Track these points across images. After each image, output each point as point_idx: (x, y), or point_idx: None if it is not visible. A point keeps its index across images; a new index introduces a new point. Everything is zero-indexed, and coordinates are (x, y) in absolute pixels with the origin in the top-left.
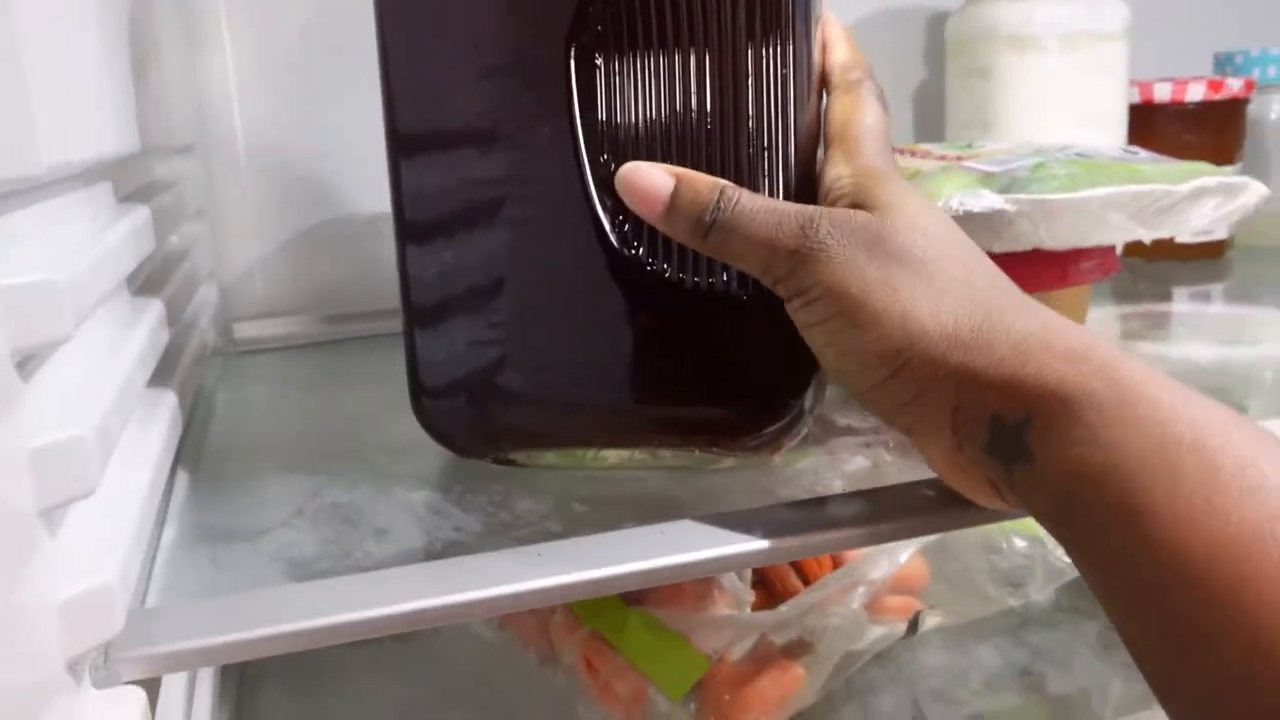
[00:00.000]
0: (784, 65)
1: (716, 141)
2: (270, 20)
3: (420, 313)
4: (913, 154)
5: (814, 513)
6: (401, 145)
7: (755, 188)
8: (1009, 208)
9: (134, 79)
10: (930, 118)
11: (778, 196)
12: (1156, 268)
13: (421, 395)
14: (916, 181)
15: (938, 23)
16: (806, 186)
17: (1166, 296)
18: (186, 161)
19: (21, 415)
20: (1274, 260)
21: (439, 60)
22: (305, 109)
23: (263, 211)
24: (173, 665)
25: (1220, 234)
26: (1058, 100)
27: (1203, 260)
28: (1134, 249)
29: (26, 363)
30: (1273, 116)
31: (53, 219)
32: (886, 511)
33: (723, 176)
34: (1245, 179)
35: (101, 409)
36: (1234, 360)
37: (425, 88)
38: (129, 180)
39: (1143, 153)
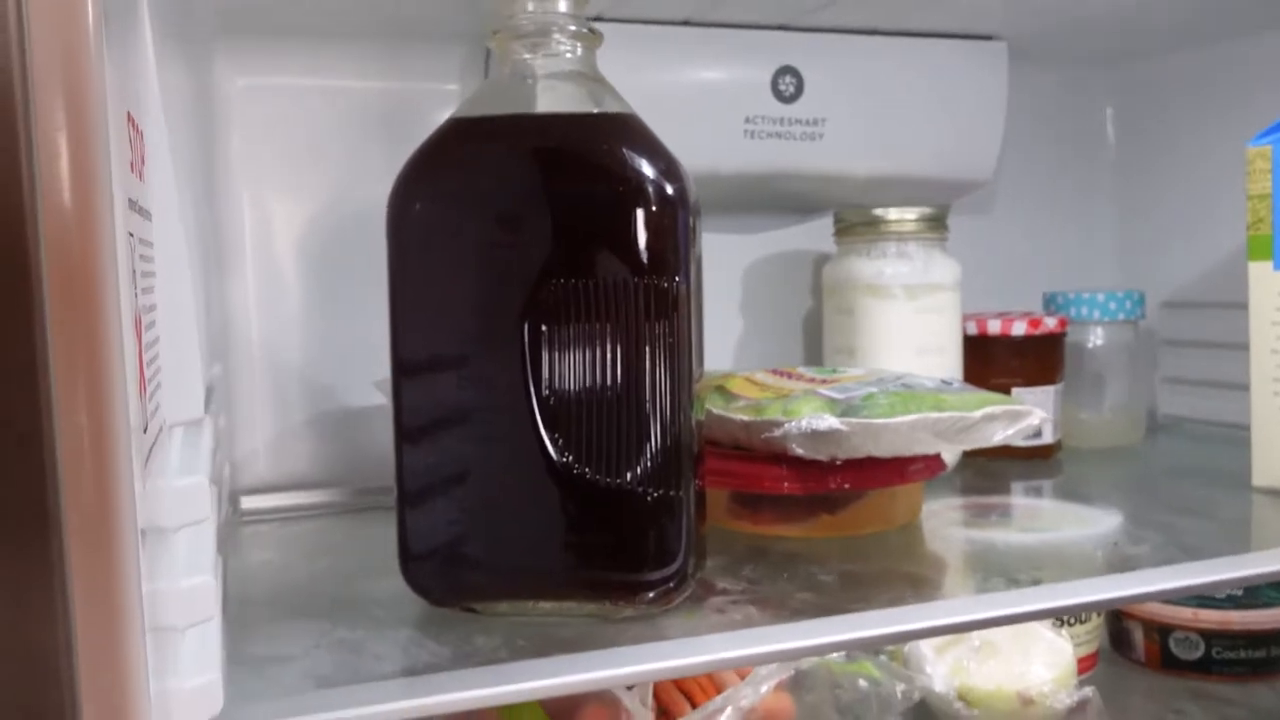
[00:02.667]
0: (671, 336)
1: (624, 386)
2: (285, 248)
3: (409, 496)
4: (789, 375)
5: (693, 645)
6: (402, 368)
7: (650, 418)
8: (843, 428)
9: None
10: (814, 341)
11: (665, 423)
12: (997, 466)
13: (408, 559)
14: (785, 402)
15: (822, 263)
16: (684, 414)
17: (1002, 490)
18: (217, 366)
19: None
20: (1095, 461)
21: (433, 311)
22: (311, 321)
23: (268, 404)
24: None
25: (1048, 439)
26: (903, 335)
27: (1036, 461)
28: (981, 451)
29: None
30: (1090, 345)
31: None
32: (749, 642)
33: (627, 411)
34: (1028, 407)
35: (208, 562)
36: (1031, 541)
37: (422, 329)
38: None
39: (957, 384)
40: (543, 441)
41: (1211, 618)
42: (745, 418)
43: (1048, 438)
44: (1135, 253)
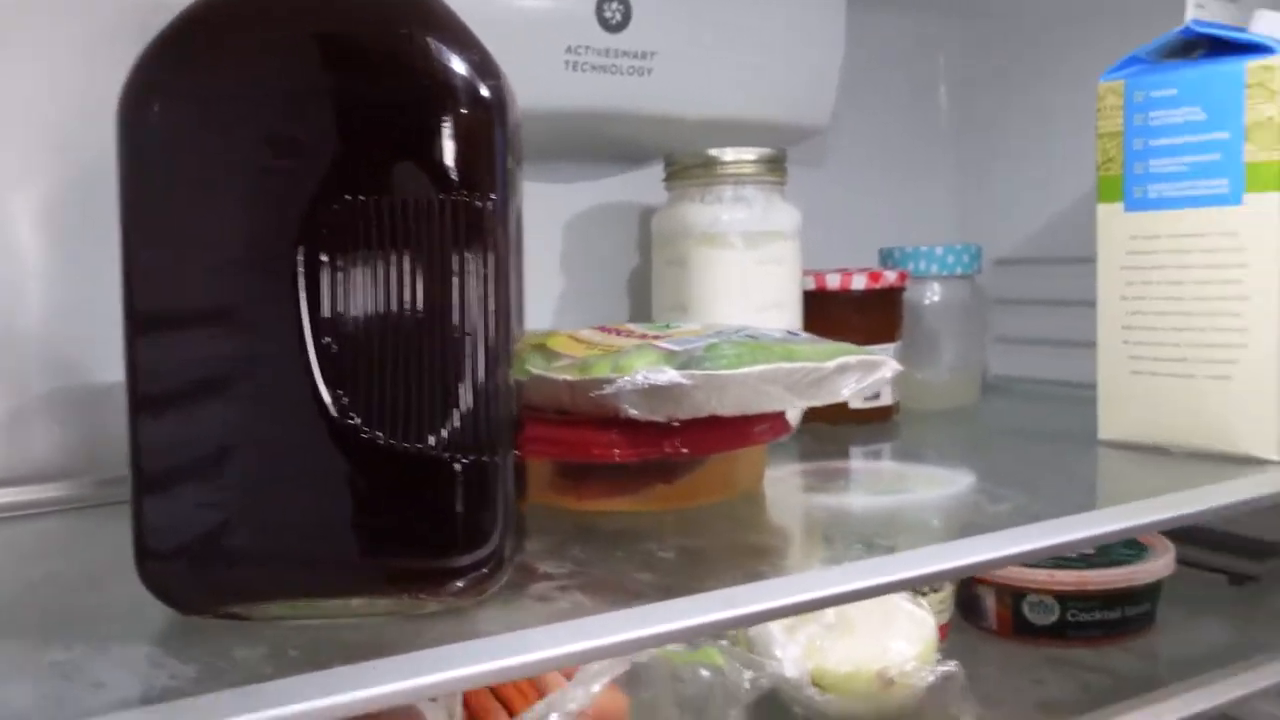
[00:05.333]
0: (483, 267)
1: (426, 329)
2: (10, 202)
3: (149, 479)
4: (618, 332)
5: (510, 643)
6: (138, 320)
7: (459, 368)
8: (685, 381)
9: None
10: (642, 300)
11: (478, 374)
12: (838, 430)
13: (146, 557)
14: (615, 357)
15: (648, 216)
16: (501, 366)
17: (844, 455)
18: None
19: None
20: (934, 422)
21: (177, 249)
22: (52, 286)
23: None
24: None
25: (887, 400)
26: (741, 287)
27: (875, 424)
28: (818, 414)
29: None
30: (926, 302)
31: None
32: (578, 636)
33: (429, 359)
34: (881, 357)
35: None
36: (882, 505)
37: (165, 267)
38: None
39: (803, 335)
40: (322, 400)
41: (1068, 579)
42: (570, 377)
43: (886, 399)
44: (972, 209)
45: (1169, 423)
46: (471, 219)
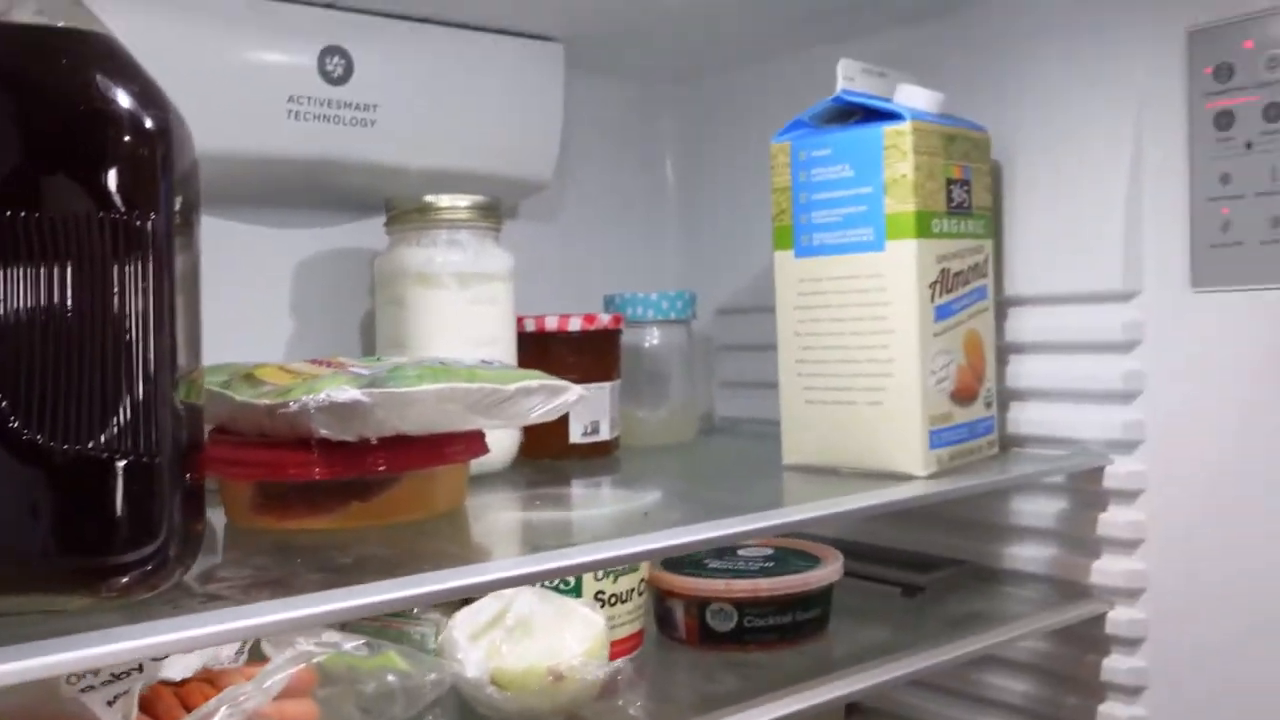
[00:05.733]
0: (144, 280)
1: (86, 337)
2: None
3: None
4: (328, 364)
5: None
6: None
7: (119, 375)
8: (365, 399)
9: None
10: (371, 339)
11: (138, 381)
12: (561, 464)
13: None
14: (312, 383)
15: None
16: (163, 375)
17: (558, 483)
18: None
19: None
20: (651, 456)
21: None
22: None
23: None
24: None
25: (606, 436)
26: (455, 325)
27: (596, 458)
28: (542, 450)
29: None
30: (646, 345)
31: None
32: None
33: (89, 366)
34: (566, 383)
35: None
36: (565, 519)
37: None
38: None
39: (499, 364)
40: None
41: (744, 587)
42: (268, 402)
43: (605, 434)
44: (695, 261)
45: (839, 446)
46: (131, 236)
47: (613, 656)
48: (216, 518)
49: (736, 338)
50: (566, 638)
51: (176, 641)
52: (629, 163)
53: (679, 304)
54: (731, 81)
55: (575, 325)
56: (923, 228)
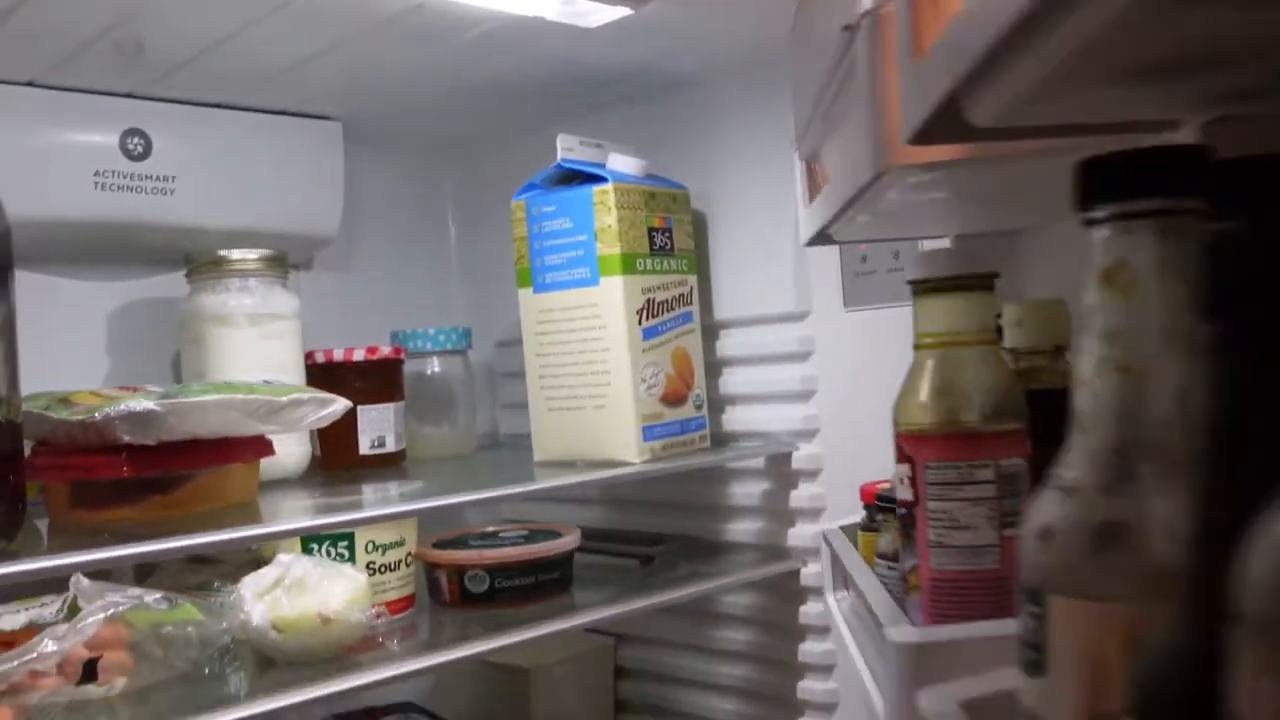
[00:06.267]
0: None
1: None
2: None
3: None
4: (133, 389)
5: None
6: None
7: None
8: (157, 408)
9: None
10: (179, 375)
11: None
12: (354, 472)
13: None
14: (114, 402)
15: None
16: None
17: (353, 488)
18: None
19: None
20: (433, 465)
21: None
22: None
23: None
24: None
25: (393, 448)
26: (247, 357)
27: (385, 467)
28: (338, 461)
29: None
30: (428, 372)
31: None
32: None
33: None
34: (334, 396)
35: None
36: (335, 503)
37: None
38: None
39: (277, 382)
40: None
41: (494, 555)
42: (80, 417)
43: (391, 446)
44: (477, 302)
45: (574, 443)
46: None
47: (387, 615)
48: (43, 526)
49: (513, 366)
50: (335, 590)
51: (4, 575)
52: (414, 218)
53: (454, 337)
54: (498, 150)
55: (359, 355)
56: (628, 266)
